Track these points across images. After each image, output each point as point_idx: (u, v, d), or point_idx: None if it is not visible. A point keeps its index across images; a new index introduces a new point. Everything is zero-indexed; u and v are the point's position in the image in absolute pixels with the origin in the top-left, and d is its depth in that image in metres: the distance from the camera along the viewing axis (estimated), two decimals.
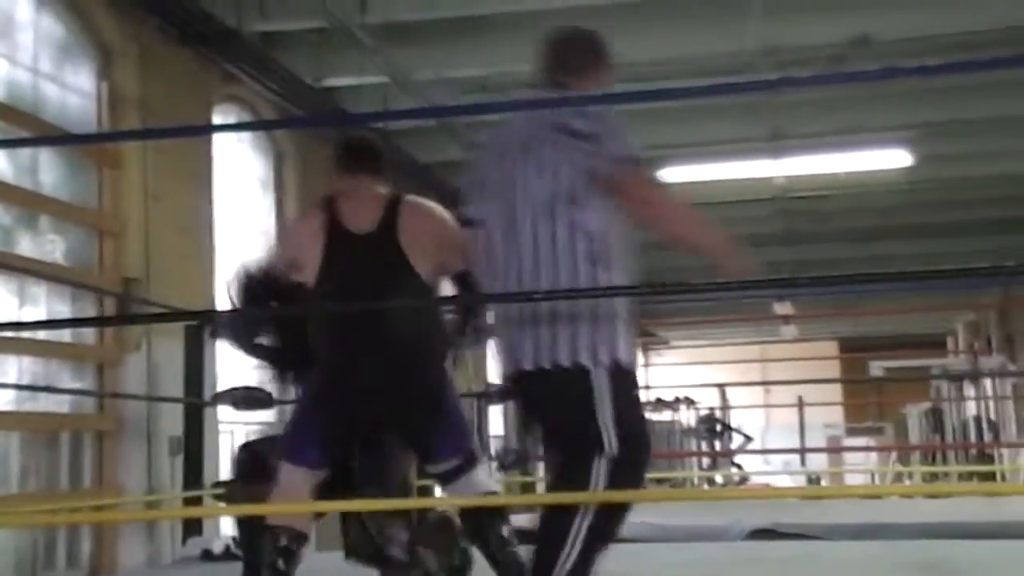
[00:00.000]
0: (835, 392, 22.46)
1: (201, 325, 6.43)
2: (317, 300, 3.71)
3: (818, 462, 18.10)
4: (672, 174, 11.32)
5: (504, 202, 3.06)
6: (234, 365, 8.12)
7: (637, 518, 6.74)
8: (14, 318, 6.05)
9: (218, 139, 8.15)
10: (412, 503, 4.33)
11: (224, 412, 7.34)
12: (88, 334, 6.83)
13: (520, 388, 3.06)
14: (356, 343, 3.61)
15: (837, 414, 22.86)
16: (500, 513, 3.67)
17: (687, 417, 18.68)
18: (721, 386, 18.59)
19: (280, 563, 3.57)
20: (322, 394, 3.69)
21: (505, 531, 3.61)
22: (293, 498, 3.58)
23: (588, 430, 2.88)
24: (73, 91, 6.83)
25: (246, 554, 3.93)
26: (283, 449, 3.69)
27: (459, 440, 3.70)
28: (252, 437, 3.96)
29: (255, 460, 3.98)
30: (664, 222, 3.19)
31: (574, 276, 2.96)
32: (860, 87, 9.48)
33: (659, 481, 11.77)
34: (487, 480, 3.91)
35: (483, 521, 3.63)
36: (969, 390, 14.87)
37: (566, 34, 3.43)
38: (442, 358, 3.77)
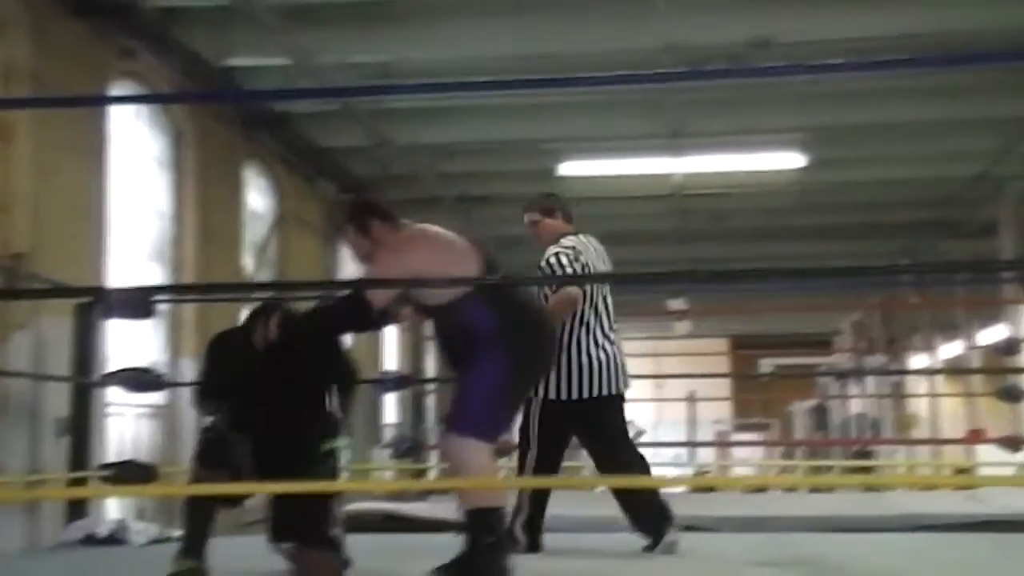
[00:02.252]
0: (725, 389, 22.94)
1: (92, 304, 6.30)
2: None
3: (706, 457, 18.45)
4: (571, 168, 11.43)
5: None
6: (124, 346, 7.97)
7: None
8: None
9: (114, 116, 7.96)
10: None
11: (113, 393, 7.21)
12: None
13: None
14: (540, 326, 4.10)
15: (726, 410, 23.33)
16: None
17: None
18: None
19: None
20: (514, 375, 3.93)
21: None
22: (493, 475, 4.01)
23: None
24: None
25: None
26: (475, 427, 3.85)
27: None
28: (211, 419, 3.94)
29: (218, 444, 3.95)
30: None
31: None
32: (757, 89, 9.67)
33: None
34: None
35: None
36: (853, 388, 15.33)
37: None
38: None
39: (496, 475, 4.17)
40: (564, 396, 4.99)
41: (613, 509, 4.99)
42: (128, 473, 5.66)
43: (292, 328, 4.02)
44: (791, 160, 11.14)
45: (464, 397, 3.93)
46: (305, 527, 3.88)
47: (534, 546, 5.00)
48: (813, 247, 15.28)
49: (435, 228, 4.13)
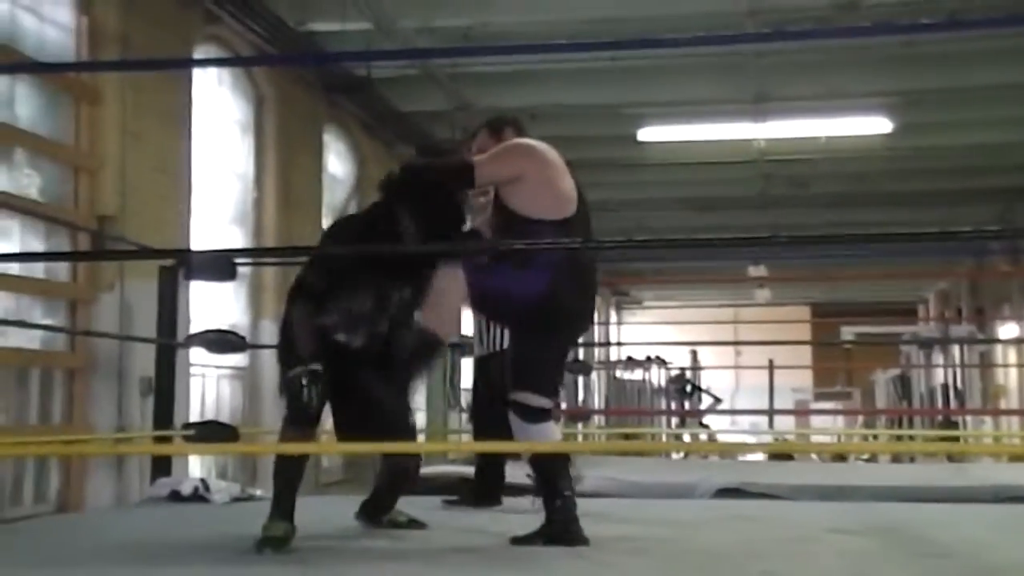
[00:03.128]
0: (805, 357, 22.67)
1: (176, 266, 6.39)
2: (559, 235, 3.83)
3: (785, 425, 18.26)
4: (652, 133, 11.32)
5: None
6: (208, 307, 8.11)
7: (605, 473, 6.80)
8: None
9: (198, 80, 8.06)
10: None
11: (196, 354, 7.33)
12: (61, 271, 6.79)
13: None
14: (588, 284, 3.98)
15: (806, 378, 23.06)
16: None
17: (658, 376, 18.77)
18: (693, 346, 18.68)
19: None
20: (559, 332, 3.93)
21: None
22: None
23: None
24: (52, 24, 6.73)
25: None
26: (541, 386, 3.84)
27: None
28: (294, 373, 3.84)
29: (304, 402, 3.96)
30: None
31: None
32: (843, 52, 9.47)
33: (627, 437, 11.86)
34: None
35: None
36: (938, 358, 15.02)
37: None
38: None
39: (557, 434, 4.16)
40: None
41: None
42: (211, 432, 5.76)
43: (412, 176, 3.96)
44: (877, 125, 10.90)
45: (518, 364, 3.90)
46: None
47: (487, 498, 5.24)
48: (899, 214, 14.98)
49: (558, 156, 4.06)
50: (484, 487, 5.32)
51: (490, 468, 5.38)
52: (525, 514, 4.33)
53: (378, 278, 3.89)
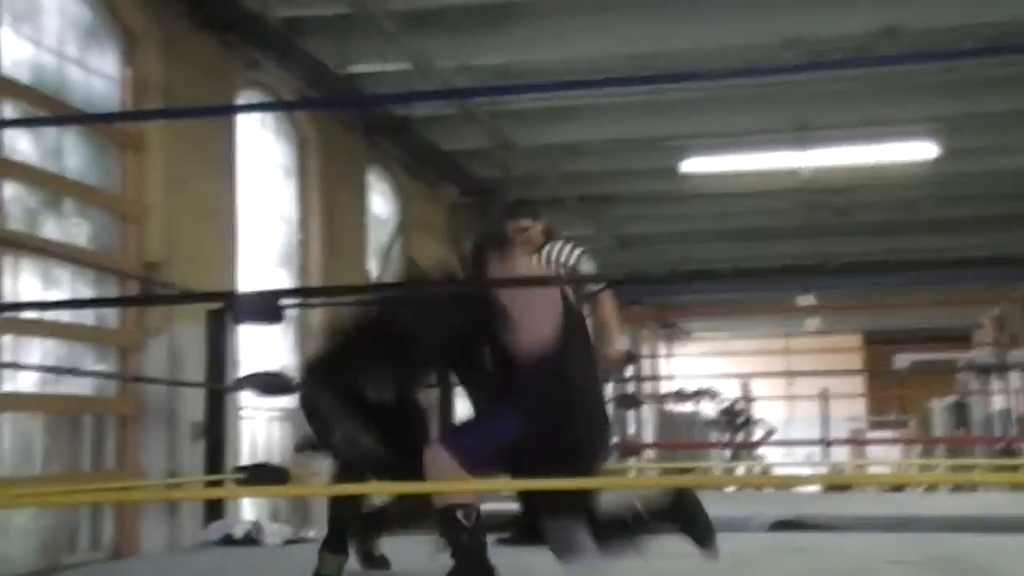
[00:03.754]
0: (858, 386, 22.37)
1: (223, 309, 6.43)
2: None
3: (840, 456, 18.01)
4: (694, 165, 11.27)
5: None
6: (256, 350, 8.14)
7: None
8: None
9: (241, 125, 8.14)
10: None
11: (246, 397, 7.36)
12: (111, 318, 6.86)
13: None
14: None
15: (860, 407, 22.75)
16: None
17: (709, 408, 18.62)
18: (744, 377, 18.51)
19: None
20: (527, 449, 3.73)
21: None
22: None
23: None
24: (98, 75, 6.84)
25: None
26: (464, 453, 3.72)
27: None
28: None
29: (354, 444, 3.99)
30: None
31: None
32: (885, 79, 9.38)
33: (681, 471, 11.74)
34: None
35: None
36: (995, 384, 14.77)
37: None
38: None
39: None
40: None
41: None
42: (262, 475, 5.78)
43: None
44: (923, 150, 10.77)
45: (474, 424, 3.87)
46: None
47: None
48: (948, 240, 14.77)
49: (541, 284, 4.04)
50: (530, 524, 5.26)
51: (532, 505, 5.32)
52: None
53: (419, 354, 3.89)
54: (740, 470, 15.57)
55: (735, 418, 18.34)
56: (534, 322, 3.73)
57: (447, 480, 3.66)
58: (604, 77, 8.32)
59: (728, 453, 17.69)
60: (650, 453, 14.66)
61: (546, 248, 5.52)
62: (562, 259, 5.48)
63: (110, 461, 6.70)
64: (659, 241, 15.61)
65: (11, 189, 5.92)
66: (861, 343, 24.40)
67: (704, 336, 24.57)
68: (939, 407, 19.90)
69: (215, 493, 6.60)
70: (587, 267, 5.54)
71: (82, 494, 5.98)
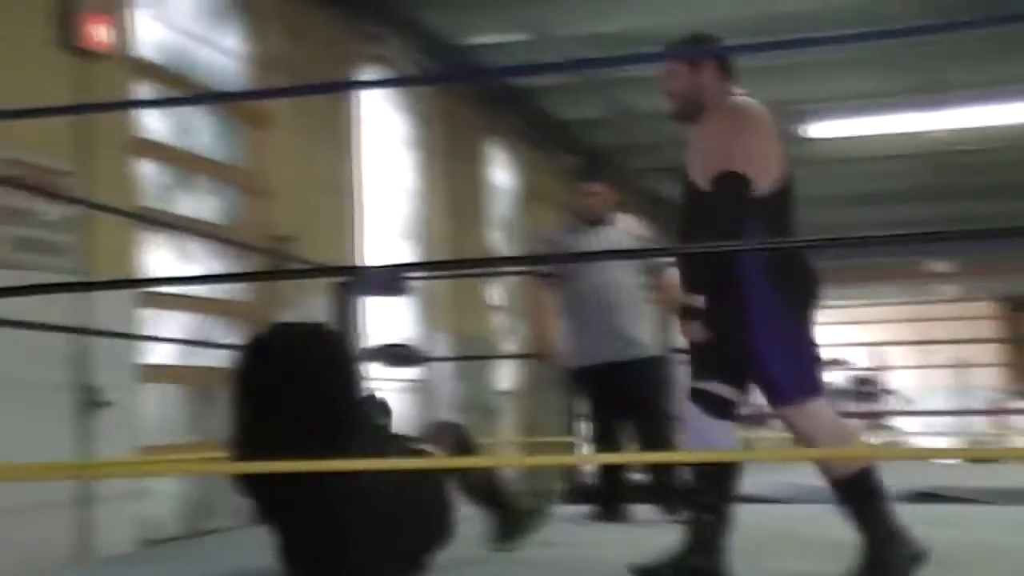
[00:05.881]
0: (997, 354, 21.62)
1: (349, 282, 6.51)
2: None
3: (980, 426, 17.46)
4: (820, 129, 11.02)
5: None
6: (382, 322, 8.24)
7: (787, 479, 6.61)
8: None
9: (363, 99, 8.23)
10: None
11: (373, 369, 7.45)
12: (241, 292, 7.02)
13: None
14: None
15: (999, 377, 22.00)
16: None
17: (840, 378, 18.23)
18: (876, 345, 18.05)
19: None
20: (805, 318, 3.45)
21: None
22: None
23: None
24: (223, 53, 6.99)
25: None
26: (812, 388, 3.42)
27: None
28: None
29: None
30: None
31: None
32: (1019, 35, 8.98)
33: None
34: None
35: None
36: None
37: None
38: None
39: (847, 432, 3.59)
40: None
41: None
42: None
43: None
44: None
45: (766, 360, 3.35)
46: None
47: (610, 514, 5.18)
48: None
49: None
50: (608, 501, 5.25)
51: (612, 482, 5.31)
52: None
53: None
54: (872, 441, 15.23)
55: (868, 388, 17.92)
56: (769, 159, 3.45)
57: (830, 431, 3.33)
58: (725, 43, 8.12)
59: (860, 423, 17.32)
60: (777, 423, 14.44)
61: (615, 216, 5.42)
62: (640, 231, 5.39)
63: None
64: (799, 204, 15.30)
65: (146, 167, 6.09)
66: (1000, 309, 23.55)
67: (833, 304, 24.04)
68: None
69: (341, 464, 6.70)
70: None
71: (220, 463, 6.14)
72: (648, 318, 5.31)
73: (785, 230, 3.44)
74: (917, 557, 3.24)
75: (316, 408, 3.16)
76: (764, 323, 3.30)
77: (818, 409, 3.34)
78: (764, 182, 3.41)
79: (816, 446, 3.33)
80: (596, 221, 5.32)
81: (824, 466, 3.34)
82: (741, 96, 3.62)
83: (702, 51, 3.80)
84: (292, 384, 3.18)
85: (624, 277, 5.21)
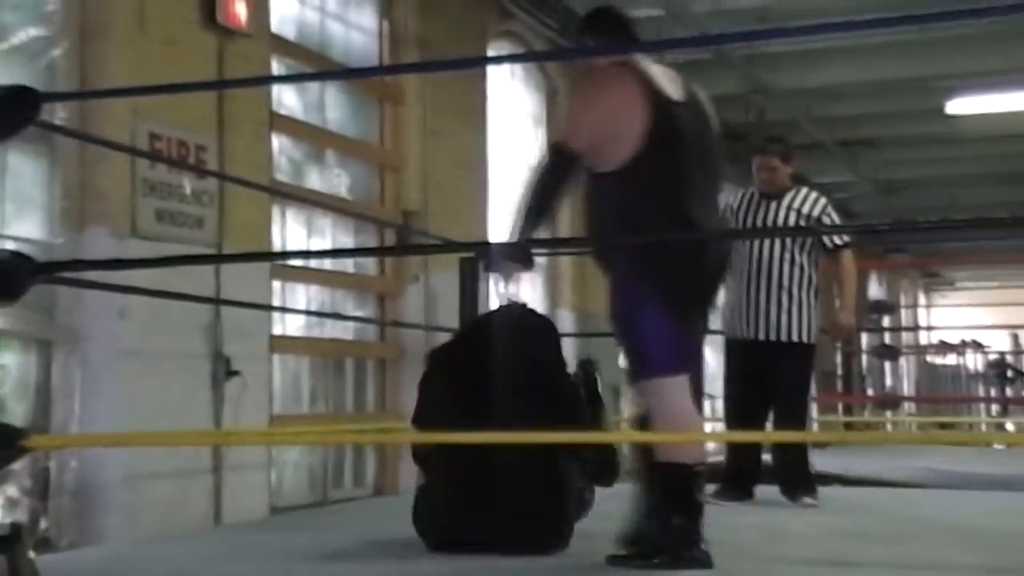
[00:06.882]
0: None
1: (476, 257, 6.55)
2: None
3: None
4: (962, 106, 10.63)
5: None
6: (506, 298, 8.27)
7: (920, 463, 6.45)
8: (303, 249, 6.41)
9: (492, 75, 8.24)
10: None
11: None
12: (370, 266, 7.13)
13: None
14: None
15: None
16: None
17: (974, 361, 17.68)
18: (1013, 329, 17.45)
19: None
20: (671, 289, 3.40)
21: None
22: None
23: None
24: (357, 30, 7.07)
25: None
26: (664, 366, 3.40)
27: None
28: None
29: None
30: None
31: None
32: None
33: (943, 426, 11.21)
34: None
35: None
36: None
37: None
38: None
39: (697, 420, 3.47)
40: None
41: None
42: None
43: None
44: None
45: (634, 335, 3.37)
46: None
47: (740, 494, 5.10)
48: None
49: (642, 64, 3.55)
50: (738, 480, 5.18)
51: (744, 460, 5.23)
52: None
53: None
54: (1009, 426, 14.74)
55: (1004, 371, 17.34)
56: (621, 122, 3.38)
57: (674, 414, 3.31)
58: (865, 19, 7.89)
59: (996, 408, 16.78)
60: (909, 406, 14.09)
61: (791, 193, 5.30)
62: (806, 208, 5.23)
63: (371, 402, 6.99)
64: (925, 186, 14.85)
65: (279, 142, 6.22)
66: None
67: (969, 286, 23.30)
68: None
69: (470, 438, 6.76)
70: (829, 219, 5.26)
71: (347, 434, 6.27)
72: (808, 302, 5.16)
73: (660, 198, 3.38)
74: (701, 561, 3.22)
75: (542, 379, 3.70)
76: (637, 296, 3.35)
77: (664, 389, 3.30)
78: (615, 155, 3.37)
79: (655, 426, 3.33)
80: (771, 196, 5.24)
81: (648, 447, 3.34)
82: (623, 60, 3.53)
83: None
84: (520, 359, 3.71)
85: (787, 255, 5.11)
